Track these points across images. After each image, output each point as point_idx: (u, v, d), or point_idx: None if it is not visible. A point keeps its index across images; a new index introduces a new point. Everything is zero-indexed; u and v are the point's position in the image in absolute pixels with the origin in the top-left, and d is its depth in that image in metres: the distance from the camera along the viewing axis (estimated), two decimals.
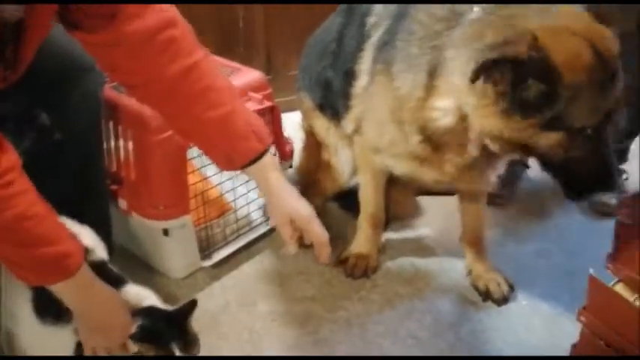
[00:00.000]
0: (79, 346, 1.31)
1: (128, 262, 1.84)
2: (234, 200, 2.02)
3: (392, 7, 1.67)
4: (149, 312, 1.33)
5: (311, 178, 2.12)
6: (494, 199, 2.18)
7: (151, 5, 1.23)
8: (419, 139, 1.59)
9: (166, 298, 1.47)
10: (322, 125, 1.99)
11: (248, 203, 2.05)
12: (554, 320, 1.79)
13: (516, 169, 2.33)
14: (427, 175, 1.69)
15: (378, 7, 1.71)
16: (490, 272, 1.91)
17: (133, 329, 1.27)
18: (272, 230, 2.04)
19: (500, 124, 1.38)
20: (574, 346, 1.54)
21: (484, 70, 1.32)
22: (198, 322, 1.36)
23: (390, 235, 2.13)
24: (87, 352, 1.29)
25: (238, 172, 1.42)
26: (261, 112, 1.89)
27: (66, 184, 1.51)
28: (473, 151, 1.54)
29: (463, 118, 1.48)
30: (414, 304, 1.87)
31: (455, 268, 1.99)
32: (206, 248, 1.99)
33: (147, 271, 1.92)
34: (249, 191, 2.02)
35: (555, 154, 1.40)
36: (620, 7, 1.81)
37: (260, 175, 1.35)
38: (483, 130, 1.43)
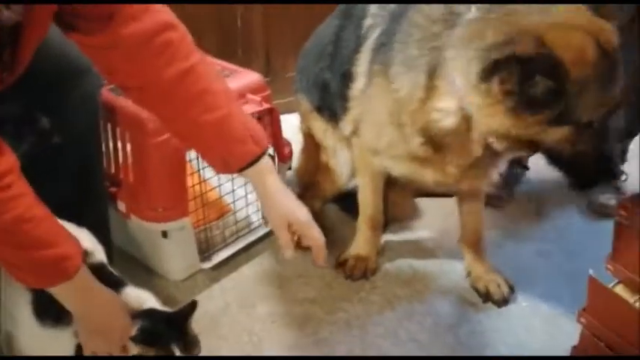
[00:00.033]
0: (78, 348, 1.31)
1: (127, 264, 1.83)
2: (233, 202, 2.02)
3: (388, 9, 1.67)
4: (149, 314, 1.33)
5: (310, 180, 2.12)
6: (493, 201, 2.19)
7: (149, 8, 1.23)
8: (420, 140, 1.59)
9: (166, 300, 1.47)
10: (320, 127, 1.99)
11: (247, 205, 2.05)
12: (554, 321, 1.79)
13: (516, 170, 2.33)
14: (428, 176, 1.69)
15: (374, 9, 1.72)
16: (490, 273, 1.91)
17: (133, 331, 1.27)
18: (271, 232, 2.02)
19: (507, 122, 1.38)
20: (574, 347, 1.54)
21: (492, 70, 1.32)
22: (197, 324, 1.35)
23: (389, 236, 2.13)
24: (86, 355, 1.29)
25: (236, 174, 1.42)
26: (259, 114, 1.90)
27: (64, 186, 1.51)
28: (476, 150, 1.54)
29: (465, 119, 1.48)
30: (414, 306, 1.86)
31: (454, 270, 1.99)
32: (205, 250, 1.99)
33: (146, 274, 1.92)
34: (248, 193, 2.02)
35: (562, 149, 1.41)
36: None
37: (257, 178, 1.35)
38: (489, 129, 1.43)
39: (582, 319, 1.48)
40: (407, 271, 2.01)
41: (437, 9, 1.51)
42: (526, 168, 2.40)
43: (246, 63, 2.37)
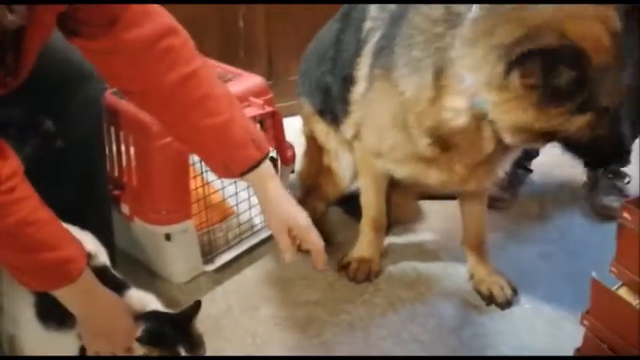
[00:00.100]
0: (82, 350, 1.31)
1: (130, 266, 1.84)
2: (236, 205, 2.02)
3: (387, 11, 1.67)
4: (153, 316, 1.33)
5: (313, 183, 2.12)
6: (496, 203, 2.19)
7: (151, 13, 1.24)
8: (427, 141, 1.59)
9: (169, 302, 1.47)
10: (322, 130, 1.99)
11: (250, 208, 2.05)
12: (557, 323, 1.79)
13: (519, 172, 2.33)
14: (434, 177, 1.69)
15: (373, 12, 1.72)
16: (492, 275, 1.91)
17: (138, 333, 1.28)
18: None
19: (531, 117, 1.39)
20: (577, 349, 1.54)
21: (512, 65, 1.33)
22: (200, 326, 1.36)
23: (392, 239, 2.13)
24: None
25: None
26: (262, 117, 1.90)
27: (68, 190, 1.51)
28: (488, 147, 1.54)
29: (475, 117, 1.48)
30: (417, 308, 1.86)
31: (457, 272, 1.99)
32: (208, 253, 1.99)
33: (149, 276, 1.92)
34: (251, 196, 2.02)
35: (582, 135, 1.43)
36: None
37: (258, 182, 1.35)
38: (509, 125, 1.44)
39: (585, 322, 1.48)
40: (410, 273, 2.01)
41: (436, 10, 1.51)
42: (529, 170, 2.40)
43: (248, 65, 2.38)
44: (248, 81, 2.00)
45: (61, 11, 1.15)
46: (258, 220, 2.11)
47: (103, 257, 1.41)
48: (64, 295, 1.19)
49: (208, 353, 1.36)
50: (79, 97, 1.52)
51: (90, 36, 1.22)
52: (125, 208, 1.89)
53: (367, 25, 1.72)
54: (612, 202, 2.19)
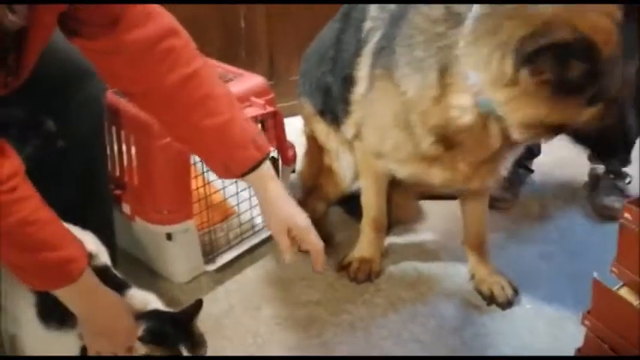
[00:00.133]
0: (84, 350, 1.31)
1: (132, 266, 1.84)
2: (237, 204, 2.03)
3: (387, 11, 1.67)
4: (154, 315, 1.33)
5: (313, 183, 2.12)
6: (497, 203, 2.18)
7: (152, 14, 1.24)
8: (431, 140, 1.59)
9: (170, 302, 1.47)
10: (323, 130, 1.99)
11: (251, 207, 2.05)
12: (558, 323, 1.79)
13: (520, 172, 2.33)
14: (437, 176, 1.69)
15: (373, 12, 1.72)
16: (493, 276, 1.91)
17: (140, 332, 1.28)
18: None
19: (542, 112, 1.40)
20: (578, 349, 1.54)
21: (522, 62, 1.34)
22: (202, 326, 1.36)
23: (392, 239, 2.13)
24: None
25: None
26: (263, 117, 1.90)
27: (69, 189, 1.51)
28: (494, 144, 1.54)
29: (481, 115, 1.48)
30: (418, 308, 1.86)
31: (458, 272, 1.99)
32: (209, 252, 1.99)
33: (150, 276, 1.93)
34: (252, 196, 2.02)
35: (591, 126, 1.43)
36: None
37: (258, 183, 1.35)
38: (519, 121, 1.44)
39: (586, 322, 1.48)
40: (411, 273, 2.01)
41: (436, 10, 1.51)
42: (530, 170, 2.40)
43: (249, 65, 2.38)
44: (249, 81, 2.00)
45: (62, 11, 1.15)
46: (259, 220, 2.10)
47: (104, 257, 1.41)
48: (65, 294, 1.20)
49: (209, 353, 1.36)
50: (80, 96, 1.52)
51: (90, 36, 1.22)
52: (126, 208, 1.89)
53: (367, 25, 1.72)
54: (613, 202, 2.19)
